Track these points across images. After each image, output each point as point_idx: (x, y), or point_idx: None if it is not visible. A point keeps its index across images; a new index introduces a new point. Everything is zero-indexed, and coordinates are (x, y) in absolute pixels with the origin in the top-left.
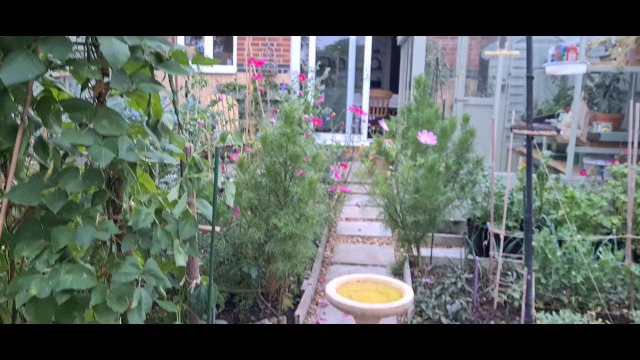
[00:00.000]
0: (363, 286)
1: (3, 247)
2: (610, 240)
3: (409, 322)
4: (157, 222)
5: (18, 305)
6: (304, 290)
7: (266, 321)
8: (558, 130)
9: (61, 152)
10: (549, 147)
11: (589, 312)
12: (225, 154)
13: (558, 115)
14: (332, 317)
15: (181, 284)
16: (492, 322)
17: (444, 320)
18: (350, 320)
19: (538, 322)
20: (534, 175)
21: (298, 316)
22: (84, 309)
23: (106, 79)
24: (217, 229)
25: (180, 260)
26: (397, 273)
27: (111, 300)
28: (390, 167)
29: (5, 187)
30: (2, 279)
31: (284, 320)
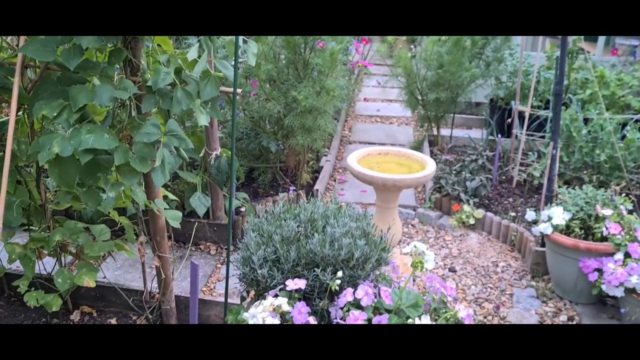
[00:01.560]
0: (384, 158)
1: (20, 113)
2: (637, 121)
3: (427, 198)
4: (177, 82)
5: (41, 162)
6: (322, 167)
7: (285, 195)
8: None
9: None
10: None
11: (612, 187)
12: None
13: None
14: (350, 193)
15: (201, 155)
16: (510, 199)
17: (463, 196)
18: (367, 196)
19: (560, 196)
20: None
21: (317, 190)
22: (108, 171)
23: None
24: (239, 90)
25: (203, 120)
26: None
27: (134, 161)
28: (412, 46)
29: (18, 44)
30: (23, 142)
31: (302, 194)
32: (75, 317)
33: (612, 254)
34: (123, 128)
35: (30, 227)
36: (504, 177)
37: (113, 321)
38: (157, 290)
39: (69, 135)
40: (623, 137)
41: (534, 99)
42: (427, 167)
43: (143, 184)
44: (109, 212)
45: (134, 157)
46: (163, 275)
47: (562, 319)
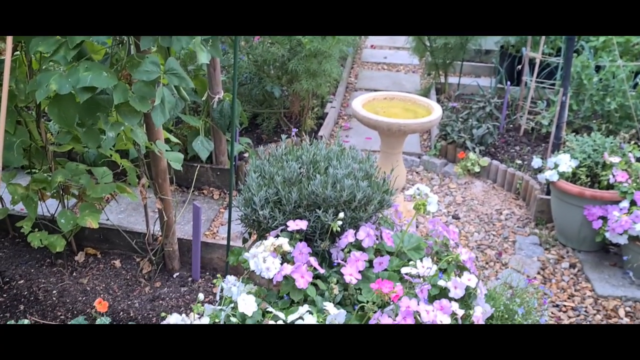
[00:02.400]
0: (390, 103)
1: (18, 52)
2: None
3: (432, 146)
4: None
5: (39, 99)
6: (327, 113)
7: (287, 138)
8: None
9: None
10: None
11: (621, 134)
12: None
13: None
14: (355, 140)
15: (203, 99)
16: (517, 148)
17: (469, 144)
18: (372, 143)
19: (567, 143)
20: None
21: (321, 136)
22: (107, 111)
23: None
24: None
25: (203, 58)
26: None
27: (133, 100)
28: None
29: None
30: (21, 81)
31: (306, 139)
32: (80, 258)
33: (617, 202)
34: (122, 67)
35: (32, 170)
36: (511, 126)
37: (117, 263)
38: (160, 233)
39: (66, 73)
40: (635, 85)
41: (546, 46)
42: (433, 112)
43: (144, 125)
44: (111, 155)
45: (133, 96)
46: (165, 217)
47: (564, 265)
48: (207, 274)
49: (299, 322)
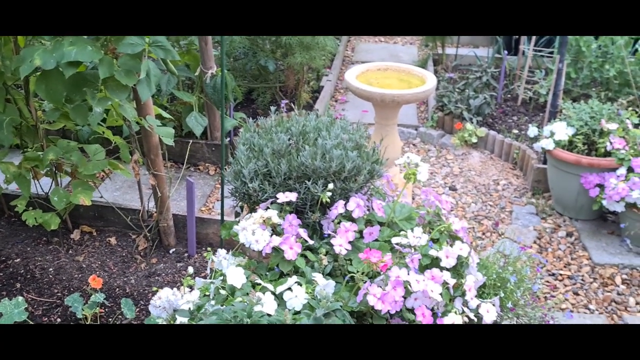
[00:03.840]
0: (384, 74)
1: None
2: None
3: (429, 117)
4: None
5: (22, 75)
6: (323, 87)
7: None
8: None
9: None
10: None
11: (619, 101)
12: None
13: None
14: (351, 113)
15: (196, 74)
16: (515, 118)
17: (466, 115)
18: (368, 116)
19: (564, 111)
20: None
21: (317, 110)
22: (95, 86)
23: None
24: None
25: None
26: None
27: (119, 73)
28: None
29: None
30: (8, 57)
31: (296, 110)
32: (75, 236)
33: (614, 169)
34: (107, 40)
35: (25, 149)
36: (509, 96)
37: (113, 240)
38: (155, 209)
39: (51, 47)
40: (635, 52)
41: None
42: (427, 82)
43: (134, 101)
44: (103, 132)
45: (119, 70)
46: (159, 193)
47: (560, 234)
48: (203, 249)
49: (288, 293)
